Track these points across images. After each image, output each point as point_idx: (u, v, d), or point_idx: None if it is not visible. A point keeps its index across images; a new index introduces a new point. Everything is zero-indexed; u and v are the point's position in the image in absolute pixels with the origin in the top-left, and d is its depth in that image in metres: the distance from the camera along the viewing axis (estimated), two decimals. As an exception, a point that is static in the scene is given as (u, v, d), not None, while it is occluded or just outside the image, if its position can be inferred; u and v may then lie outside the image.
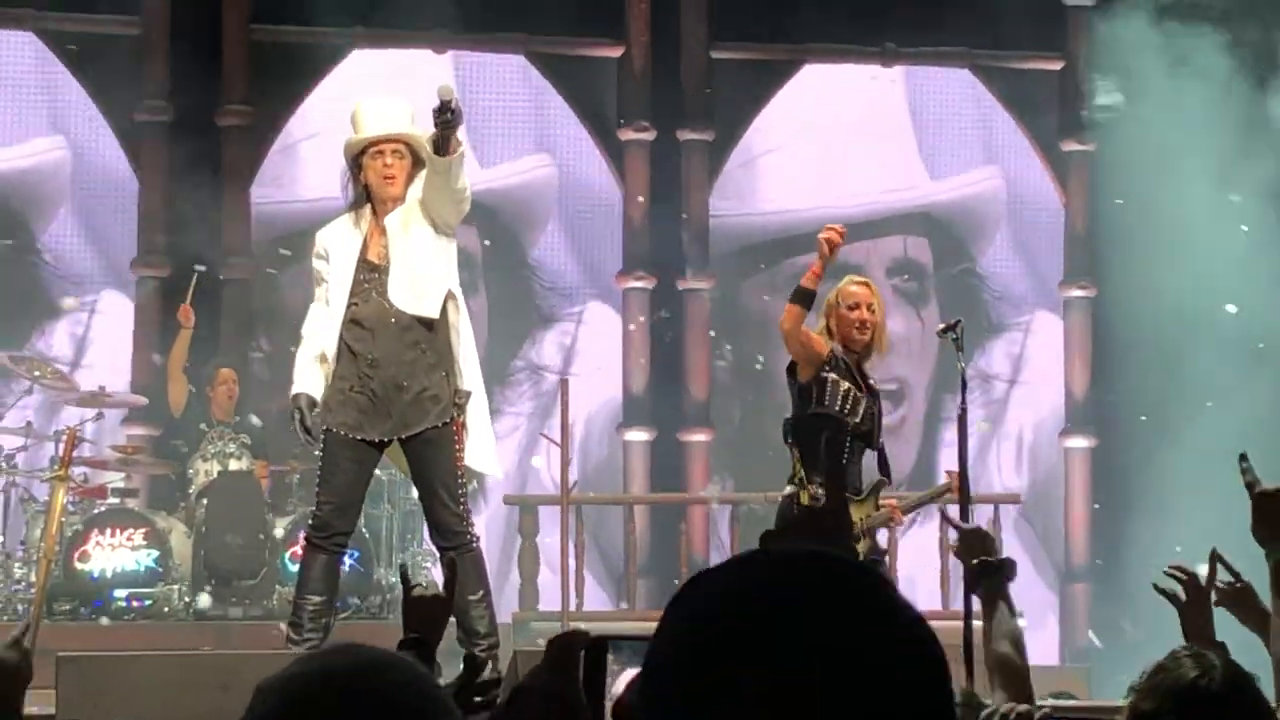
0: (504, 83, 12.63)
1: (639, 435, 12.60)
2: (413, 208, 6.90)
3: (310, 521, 7.06)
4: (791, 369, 7.43)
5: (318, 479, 7.02)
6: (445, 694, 1.77)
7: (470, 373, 6.98)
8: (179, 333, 10.93)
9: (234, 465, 10.58)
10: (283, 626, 7.62)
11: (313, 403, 6.93)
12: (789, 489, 7.32)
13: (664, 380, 12.60)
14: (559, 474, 10.59)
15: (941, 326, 7.56)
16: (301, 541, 10.16)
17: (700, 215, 12.79)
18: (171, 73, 12.12)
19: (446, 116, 6.53)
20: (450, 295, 6.93)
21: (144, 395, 11.33)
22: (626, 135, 12.69)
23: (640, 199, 12.62)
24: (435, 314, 6.86)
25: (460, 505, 6.83)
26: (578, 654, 2.36)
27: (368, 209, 6.96)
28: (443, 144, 6.63)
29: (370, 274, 6.91)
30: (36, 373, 10.60)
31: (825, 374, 7.31)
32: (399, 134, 6.86)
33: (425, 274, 6.87)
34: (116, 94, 12.05)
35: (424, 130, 6.75)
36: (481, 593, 6.84)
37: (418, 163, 6.85)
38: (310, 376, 7.01)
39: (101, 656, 7.59)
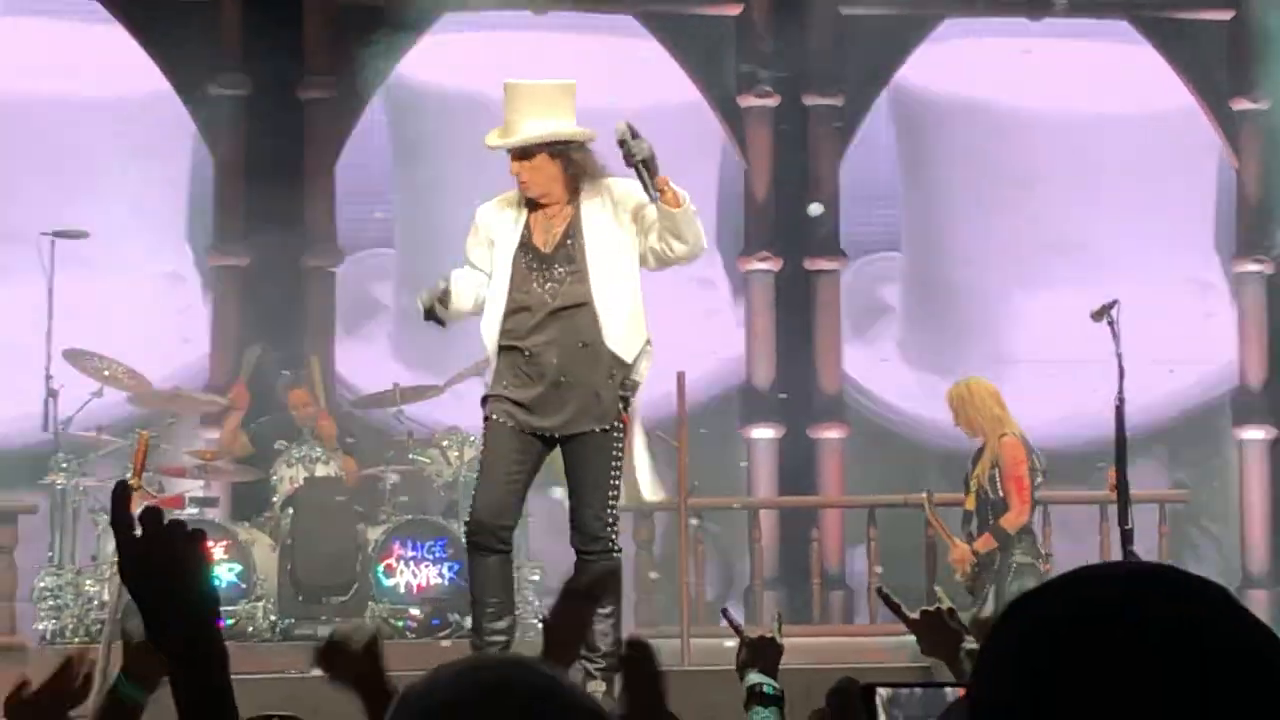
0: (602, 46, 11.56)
1: (764, 433, 11.66)
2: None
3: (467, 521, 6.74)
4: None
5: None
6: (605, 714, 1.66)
7: None
8: (227, 415, 10.16)
9: (321, 471, 10.00)
10: None
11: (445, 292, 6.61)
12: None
13: (791, 371, 11.61)
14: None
15: (1096, 308, 7.36)
16: (397, 552, 9.51)
17: (830, 187, 11.72)
18: (246, 41, 11.16)
19: (630, 150, 6.18)
20: None
21: (222, 395, 10.59)
22: (747, 101, 11.61)
23: (764, 171, 11.55)
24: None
25: (609, 509, 6.57)
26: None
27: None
28: (648, 187, 6.24)
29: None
30: (106, 372, 10.00)
31: None
32: (517, 144, 6.43)
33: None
34: (187, 65, 11.05)
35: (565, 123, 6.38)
36: (611, 608, 6.52)
37: (570, 159, 6.43)
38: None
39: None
